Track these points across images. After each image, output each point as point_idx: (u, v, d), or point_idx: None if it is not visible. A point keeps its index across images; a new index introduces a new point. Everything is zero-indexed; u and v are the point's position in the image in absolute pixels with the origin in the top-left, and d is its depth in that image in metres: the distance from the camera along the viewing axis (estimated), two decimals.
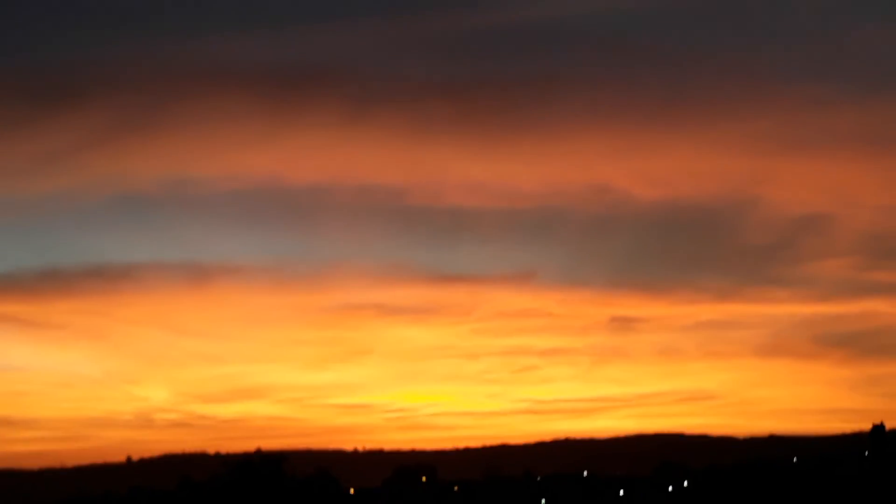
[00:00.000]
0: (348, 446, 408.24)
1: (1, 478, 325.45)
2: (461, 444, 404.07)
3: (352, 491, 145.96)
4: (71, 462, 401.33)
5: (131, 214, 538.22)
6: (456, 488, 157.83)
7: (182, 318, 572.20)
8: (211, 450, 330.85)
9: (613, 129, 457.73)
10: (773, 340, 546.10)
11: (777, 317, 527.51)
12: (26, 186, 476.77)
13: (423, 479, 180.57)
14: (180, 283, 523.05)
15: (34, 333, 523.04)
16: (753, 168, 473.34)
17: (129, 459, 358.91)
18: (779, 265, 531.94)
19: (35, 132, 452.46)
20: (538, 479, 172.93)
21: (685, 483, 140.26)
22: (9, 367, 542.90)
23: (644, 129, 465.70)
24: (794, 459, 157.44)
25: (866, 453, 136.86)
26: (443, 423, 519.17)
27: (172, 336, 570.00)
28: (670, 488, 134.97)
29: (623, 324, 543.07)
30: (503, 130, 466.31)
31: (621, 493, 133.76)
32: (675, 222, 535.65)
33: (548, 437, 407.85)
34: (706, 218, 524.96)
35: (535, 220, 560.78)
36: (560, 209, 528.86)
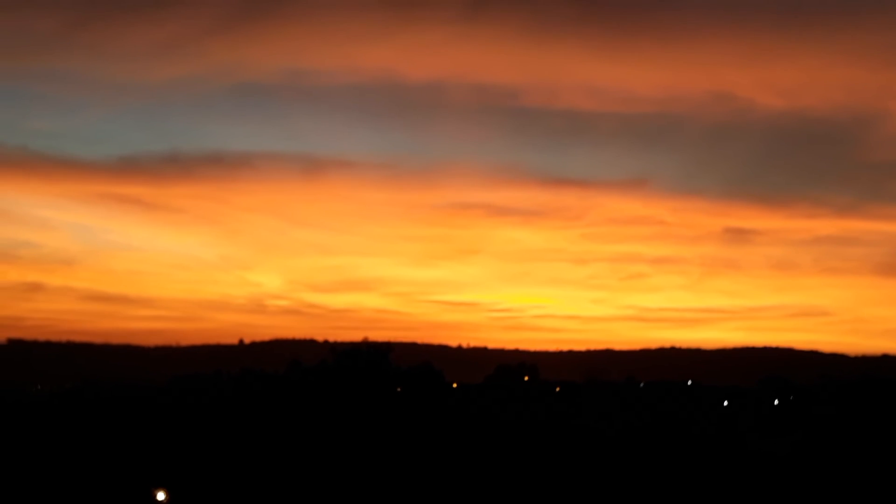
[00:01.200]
0: (453, 342, 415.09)
1: (117, 353, 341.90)
2: (564, 347, 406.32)
3: (455, 385, 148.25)
4: (185, 341, 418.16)
5: (250, 103, 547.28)
6: (557, 389, 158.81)
7: (296, 209, 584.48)
8: (319, 337, 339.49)
9: (739, 34, 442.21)
10: (893, 259, 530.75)
11: None
12: (149, 72, 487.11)
13: (525, 378, 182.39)
14: (295, 174, 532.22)
15: (154, 216, 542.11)
16: (883, 81, 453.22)
17: (241, 342, 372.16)
18: None
19: (159, 18, 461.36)
20: (641, 384, 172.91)
21: (791, 397, 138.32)
22: (129, 246, 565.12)
23: (771, 35, 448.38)
24: None
25: None
26: (547, 325, 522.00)
27: (286, 225, 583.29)
28: (776, 401, 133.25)
29: (737, 235, 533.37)
30: (623, 33, 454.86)
31: (725, 403, 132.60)
32: (798, 134, 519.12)
33: (653, 345, 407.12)
34: (830, 131, 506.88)
35: (651, 126, 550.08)
36: (678, 115, 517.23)
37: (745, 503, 53.42)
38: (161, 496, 56.05)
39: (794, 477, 62.53)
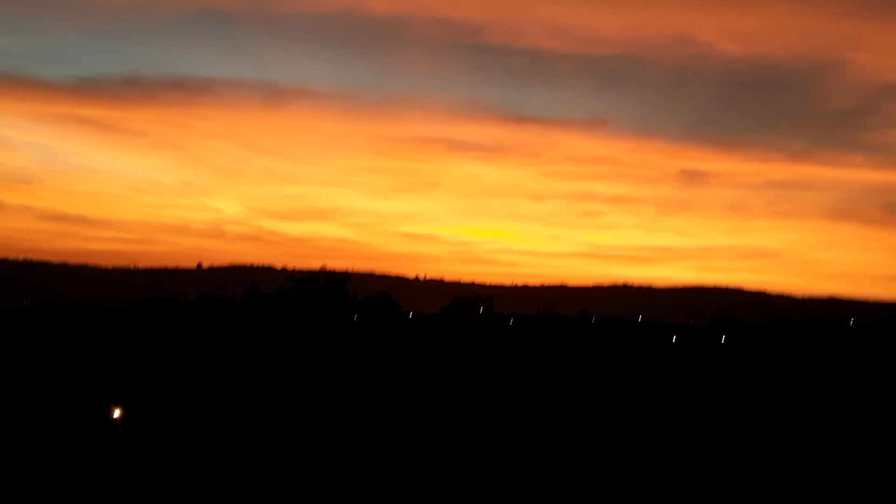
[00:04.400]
0: (410, 273, 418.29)
1: (75, 273, 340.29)
2: (520, 281, 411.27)
3: (410, 315, 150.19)
4: (144, 263, 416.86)
5: (213, 29, 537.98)
6: (511, 321, 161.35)
7: (257, 136, 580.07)
8: (278, 264, 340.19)
9: None
10: (843, 205, 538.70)
11: (849, 181, 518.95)
12: None
13: (480, 309, 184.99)
14: (257, 102, 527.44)
15: (114, 138, 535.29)
16: (843, 30, 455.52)
17: (199, 266, 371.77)
18: (856, 130, 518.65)
19: None
20: (593, 319, 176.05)
21: (739, 335, 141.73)
22: (89, 168, 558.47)
23: None
24: (852, 322, 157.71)
25: None
26: (504, 259, 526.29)
27: (247, 152, 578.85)
28: (723, 338, 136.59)
29: (692, 177, 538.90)
30: None
31: (674, 339, 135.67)
32: (755, 79, 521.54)
33: (606, 282, 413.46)
34: (788, 77, 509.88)
35: (611, 67, 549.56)
36: (638, 57, 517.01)
37: (685, 435, 55.45)
38: (117, 413, 56.97)
39: (735, 412, 64.79)
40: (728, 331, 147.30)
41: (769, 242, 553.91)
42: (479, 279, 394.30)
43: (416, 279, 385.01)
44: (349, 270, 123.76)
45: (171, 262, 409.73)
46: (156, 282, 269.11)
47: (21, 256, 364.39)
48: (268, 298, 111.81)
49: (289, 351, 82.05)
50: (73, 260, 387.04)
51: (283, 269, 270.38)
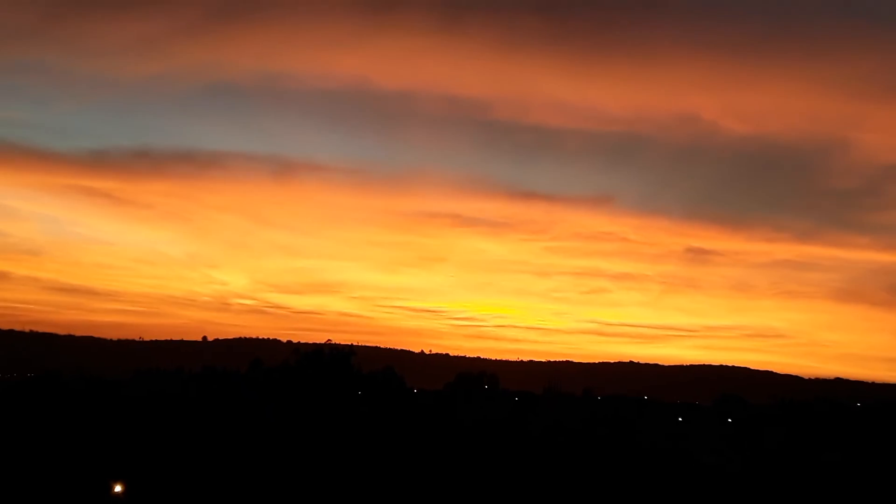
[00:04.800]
0: (415, 348, 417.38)
1: (80, 344, 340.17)
2: (525, 357, 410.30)
3: (415, 390, 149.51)
4: (149, 336, 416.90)
5: (222, 103, 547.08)
6: (516, 399, 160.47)
7: (264, 210, 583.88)
8: (283, 338, 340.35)
9: (707, 59, 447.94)
10: (849, 286, 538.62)
11: (855, 262, 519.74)
12: (124, 68, 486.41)
13: (485, 386, 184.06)
14: (265, 176, 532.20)
15: (123, 210, 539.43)
16: (847, 111, 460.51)
17: (204, 339, 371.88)
18: (861, 211, 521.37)
19: (136, 15, 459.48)
20: (598, 398, 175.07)
21: (745, 416, 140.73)
22: (96, 240, 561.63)
23: (739, 61, 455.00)
24: (858, 404, 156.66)
25: None
26: (509, 335, 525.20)
27: (254, 226, 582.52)
28: (730, 420, 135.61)
29: (698, 255, 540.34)
30: (594, 52, 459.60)
31: (680, 419, 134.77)
32: (761, 159, 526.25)
33: (611, 359, 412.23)
34: (793, 157, 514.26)
35: (618, 145, 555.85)
36: (645, 136, 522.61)
37: None
38: (118, 489, 56.70)
39: (742, 493, 64.26)
40: (733, 411, 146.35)
41: (775, 322, 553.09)
42: (483, 354, 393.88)
43: (422, 353, 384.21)
44: (354, 344, 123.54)
45: (176, 335, 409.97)
46: (161, 354, 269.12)
47: (27, 328, 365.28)
48: (272, 372, 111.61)
49: (294, 423, 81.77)
50: (78, 332, 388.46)
51: (289, 342, 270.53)
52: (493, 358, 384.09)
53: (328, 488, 57.51)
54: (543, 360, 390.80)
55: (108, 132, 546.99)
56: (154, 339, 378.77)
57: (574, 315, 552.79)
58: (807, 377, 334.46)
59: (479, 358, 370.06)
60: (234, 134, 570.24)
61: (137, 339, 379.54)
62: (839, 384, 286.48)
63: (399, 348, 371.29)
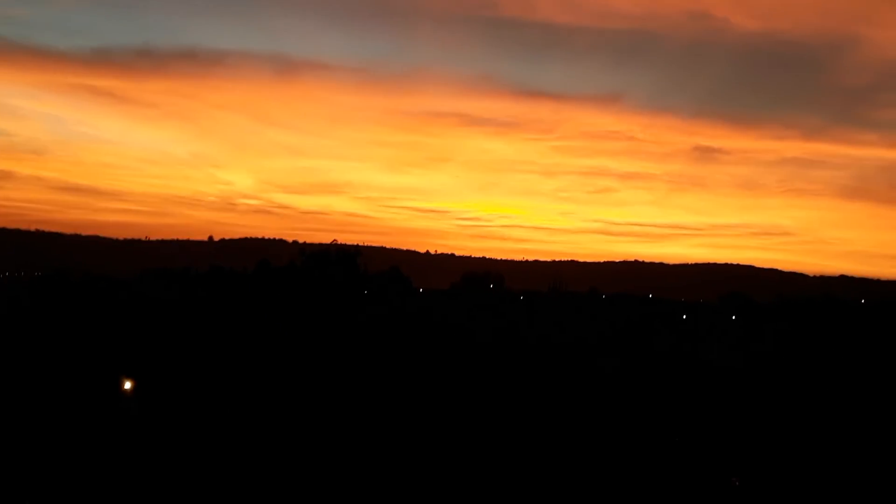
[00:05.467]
0: (420, 248, 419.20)
1: (87, 244, 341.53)
2: (530, 257, 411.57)
3: (421, 290, 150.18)
4: (155, 235, 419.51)
5: (225, 1, 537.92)
6: (521, 297, 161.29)
7: (269, 109, 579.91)
8: (289, 238, 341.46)
9: None
10: (856, 183, 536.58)
11: (863, 160, 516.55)
12: None
13: (491, 286, 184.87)
14: (269, 75, 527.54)
15: (126, 109, 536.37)
16: (857, 7, 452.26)
17: (210, 239, 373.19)
18: (870, 108, 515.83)
19: None
20: (603, 296, 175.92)
21: (749, 313, 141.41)
22: (99, 139, 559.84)
23: None
24: (863, 301, 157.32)
25: None
26: (514, 235, 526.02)
27: (258, 125, 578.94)
28: (734, 317, 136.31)
29: (705, 154, 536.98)
30: None
31: (684, 317, 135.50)
32: (770, 56, 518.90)
33: (617, 258, 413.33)
34: (802, 54, 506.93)
35: (627, 42, 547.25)
36: (654, 33, 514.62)
37: (695, 412, 55.52)
38: (128, 385, 57.24)
39: (745, 389, 64.79)
40: (738, 309, 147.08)
41: (782, 220, 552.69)
42: (489, 255, 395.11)
43: (427, 254, 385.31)
44: (360, 245, 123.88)
45: (182, 235, 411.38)
46: (167, 254, 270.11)
47: (33, 227, 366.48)
48: (279, 272, 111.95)
49: (300, 323, 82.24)
50: (84, 231, 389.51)
51: (295, 243, 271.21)
52: (499, 258, 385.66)
53: (334, 388, 57.98)
54: (549, 259, 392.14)
55: (110, 30, 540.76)
56: (160, 238, 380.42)
57: (580, 215, 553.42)
58: (811, 275, 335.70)
59: (484, 258, 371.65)
60: (238, 32, 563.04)
61: (143, 238, 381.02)
62: (843, 281, 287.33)
63: (405, 248, 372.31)
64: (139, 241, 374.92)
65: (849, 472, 42.31)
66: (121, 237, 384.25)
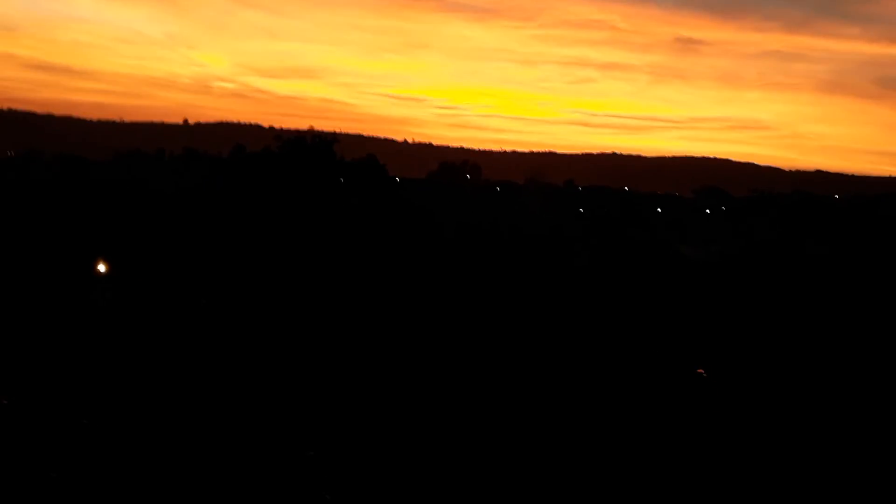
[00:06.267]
0: (398, 137, 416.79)
1: (60, 124, 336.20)
2: (508, 148, 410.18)
3: (398, 179, 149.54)
4: (129, 117, 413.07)
5: None
6: (498, 189, 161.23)
7: None
8: (265, 123, 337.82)
9: None
10: (836, 77, 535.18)
11: (843, 54, 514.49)
12: None
13: (468, 176, 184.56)
14: None
15: None
16: None
17: (185, 122, 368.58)
18: (853, 1, 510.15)
19: None
20: (580, 188, 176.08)
21: (724, 207, 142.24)
22: (73, 17, 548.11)
23: None
24: (836, 196, 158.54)
25: None
26: (492, 125, 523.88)
27: (233, 5, 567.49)
28: (708, 211, 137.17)
29: (686, 45, 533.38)
30: None
31: (659, 210, 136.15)
32: None
33: (594, 150, 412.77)
34: None
35: None
36: None
37: (664, 303, 56.14)
38: (102, 268, 57.11)
39: (716, 282, 65.45)
40: (713, 202, 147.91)
41: (760, 114, 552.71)
42: (466, 144, 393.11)
43: (404, 142, 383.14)
44: (336, 132, 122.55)
45: (156, 117, 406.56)
46: (141, 136, 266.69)
47: (5, 106, 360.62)
48: (254, 158, 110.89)
49: (276, 209, 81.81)
50: (58, 111, 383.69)
51: (271, 129, 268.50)
52: (476, 148, 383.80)
53: (307, 276, 58.08)
54: (526, 150, 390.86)
55: None
56: (134, 120, 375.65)
57: (559, 105, 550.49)
58: (787, 169, 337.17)
59: (462, 148, 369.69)
60: None
61: (117, 120, 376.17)
62: (819, 177, 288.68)
63: (382, 137, 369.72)
64: (113, 122, 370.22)
65: (813, 362, 43.12)
66: (95, 118, 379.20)
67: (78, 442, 26.55)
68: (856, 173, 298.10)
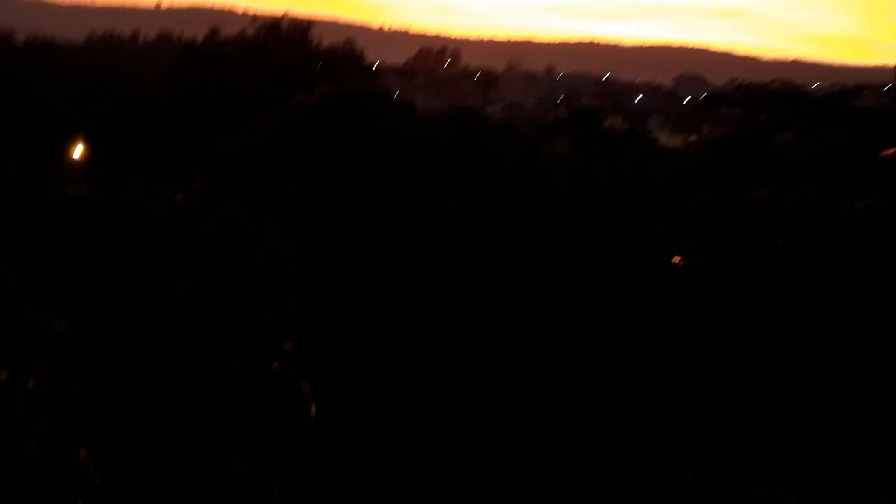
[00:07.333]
0: (375, 22, 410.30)
1: (30, 7, 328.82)
2: (486, 36, 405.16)
3: (375, 66, 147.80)
4: (100, 1, 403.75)
5: None
6: (478, 75, 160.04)
7: None
8: (239, 8, 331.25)
9: None
10: None
11: None
12: None
13: (446, 63, 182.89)
14: None
15: None
16: None
17: (158, 6, 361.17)
18: None
19: None
20: (559, 75, 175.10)
21: (702, 96, 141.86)
22: None
23: None
24: (814, 86, 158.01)
25: (887, 87, 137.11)
26: (472, 10, 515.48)
27: None
28: (687, 98, 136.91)
29: None
30: None
31: (639, 98, 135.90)
32: None
33: (573, 38, 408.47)
34: None
35: None
36: None
37: (642, 194, 56.37)
38: (77, 154, 56.78)
39: (690, 169, 65.59)
40: (691, 91, 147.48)
41: (738, 1, 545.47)
42: (445, 32, 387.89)
43: (381, 29, 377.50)
44: (312, 18, 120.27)
45: (128, 0, 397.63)
46: (113, 19, 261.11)
47: None
48: (229, 43, 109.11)
49: (249, 100, 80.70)
50: None
51: (245, 13, 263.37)
52: (455, 37, 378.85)
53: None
54: (505, 39, 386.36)
55: None
56: (106, 3, 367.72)
57: None
58: (765, 59, 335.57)
59: (439, 36, 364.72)
60: None
61: (88, 3, 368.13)
62: (795, 66, 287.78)
63: (359, 23, 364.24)
64: (84, 6, 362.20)
65: (789, 247, 43.67)
66: (65, 1, 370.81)
67: None
68: (835, 64, 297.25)
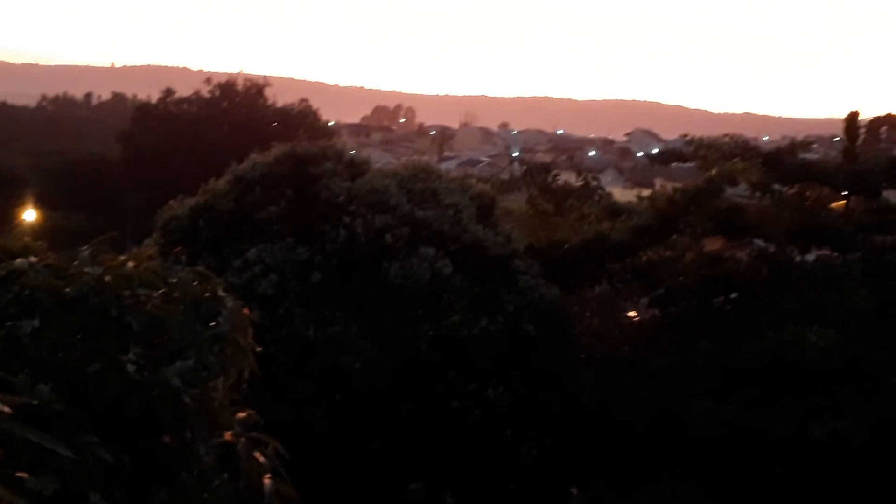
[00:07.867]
0: (329, 80, 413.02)
1: None
2: (441, 92, 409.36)
3: (330, 123, 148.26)
4: (54, 60, 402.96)
5: None
6: (433, 133, 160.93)
7: None
8: (194, 66, 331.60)
9: None
10: None
11: None
12: None
13: (402, 119, 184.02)
14: None
15: None
16: None
17: (112, 65, 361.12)
18: None
19: None
20: (514, 132, 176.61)
21: (655, 150, 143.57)
22: None
23: None
24: (766, 138, 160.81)
25: (836, 139, 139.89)
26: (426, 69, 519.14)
27: None
28: (640, 154, 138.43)
29: None
30: None
31: (592, 153, 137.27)
32: None
33: (527, 93, 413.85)
34: None
35: None
36: None
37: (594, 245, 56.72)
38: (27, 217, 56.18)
39: (644, 224, 66.16)
40: (644, 146, 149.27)
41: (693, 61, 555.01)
42: (399, 88, 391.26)
43: (336, 87, 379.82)
44: (267, 77, 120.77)
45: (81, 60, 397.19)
46: (67, 79, 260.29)
47: None
48: (185, 102, 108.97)
49: (210, 153, 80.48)
50: None
51: (199, 73, 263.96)
52: (409, 92, 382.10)
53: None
54: (460, 95, 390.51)
55: None
56: (59, 64, 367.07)
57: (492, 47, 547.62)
58: (716, 113, 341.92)
59: (394, 92, 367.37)
60: None
61: (42, 63, 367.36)
62: (747, 119, 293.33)
63: (313, 82, 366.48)
64: (37, 66, 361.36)
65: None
66: (18, 62, 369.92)
67: None
68: (783, 116, 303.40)
